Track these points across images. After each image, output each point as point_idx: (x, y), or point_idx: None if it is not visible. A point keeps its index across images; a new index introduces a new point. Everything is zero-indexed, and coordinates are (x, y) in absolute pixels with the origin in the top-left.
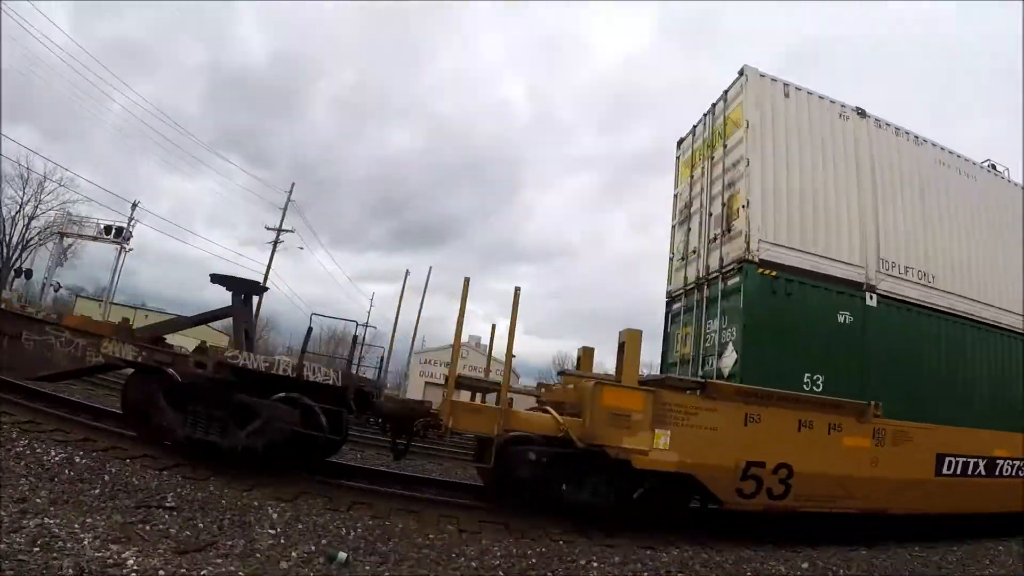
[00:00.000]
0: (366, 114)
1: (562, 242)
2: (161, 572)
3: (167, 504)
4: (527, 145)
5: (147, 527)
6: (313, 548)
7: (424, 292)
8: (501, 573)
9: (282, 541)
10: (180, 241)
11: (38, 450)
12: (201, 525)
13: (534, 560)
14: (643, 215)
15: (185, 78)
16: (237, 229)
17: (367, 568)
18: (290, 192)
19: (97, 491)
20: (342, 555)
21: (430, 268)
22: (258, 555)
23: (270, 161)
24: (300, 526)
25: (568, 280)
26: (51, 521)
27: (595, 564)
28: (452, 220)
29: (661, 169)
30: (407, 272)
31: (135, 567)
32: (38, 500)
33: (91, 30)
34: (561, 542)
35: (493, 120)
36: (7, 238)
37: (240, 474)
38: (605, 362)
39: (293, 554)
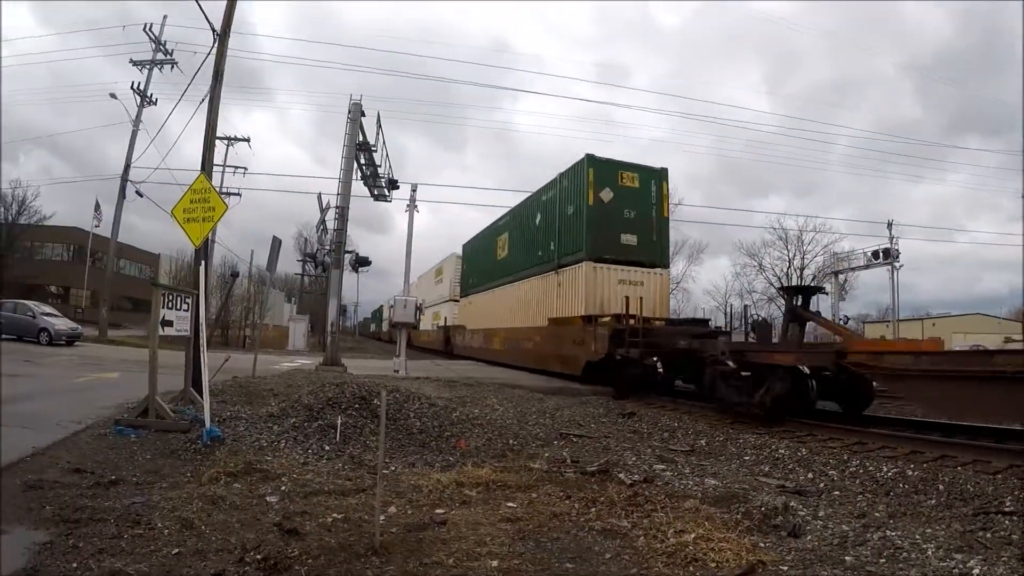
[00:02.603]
0: None
1: None
2: None
3: (1005, 509)
4: None
5: (988, 534)
6: None
7: None
8: None
9: None
10: (948, 242)
11: (870, 468)
12: None
13: None
14: None
15: (894, 88)
16: (1000, 211)
17: None
18: None
19: (932, 501)
20: None
21: None
22: None
23: (1002, 128)
24: None
25: None
26: (892, 533)
27: None
28: None
29: None
30: None
31: None
32: (877, 514)
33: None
34: None
35: None
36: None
37: None
38: None
39: None
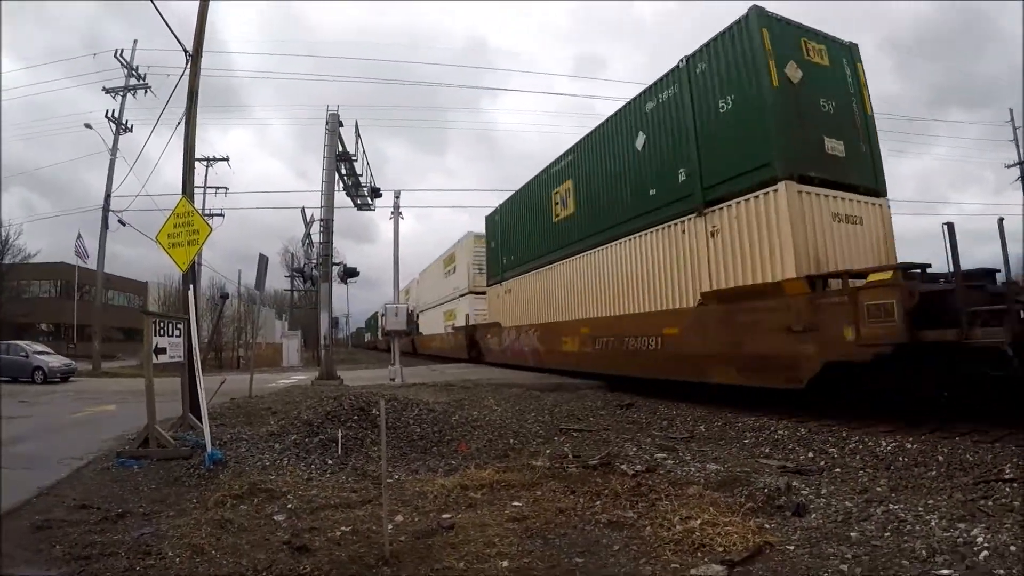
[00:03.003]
0: None
1: None
2: (1012, 548)
3: (1005, 476)
4: None
5: (989, 502)
6: None
7: None
8: None
9: None
10: (933, 215)
11: (869, 443)
12: None
13: None
14: None
15: (874, 66)
16: (985, 183)
17: None
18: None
19: (933, 472)
20: None
21: None
22: None
23: (987, 100)
24: None
25: None
26: (895, 507)
27: None
28: None
29: None
30: None
31: (985, 544)
32: (879, 489)
33: None
34: None
35: None
36: None
37: None
38: None
39: None
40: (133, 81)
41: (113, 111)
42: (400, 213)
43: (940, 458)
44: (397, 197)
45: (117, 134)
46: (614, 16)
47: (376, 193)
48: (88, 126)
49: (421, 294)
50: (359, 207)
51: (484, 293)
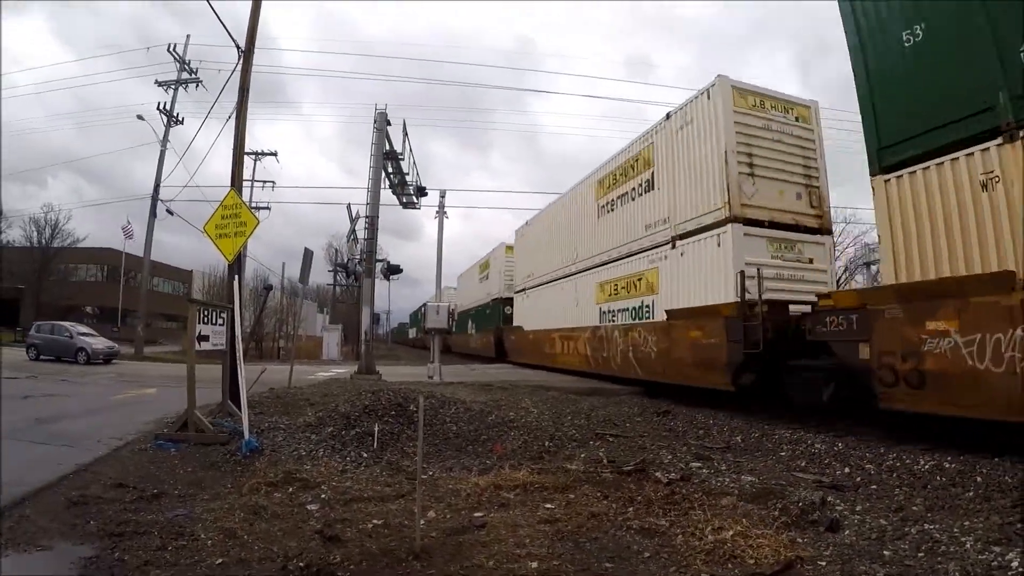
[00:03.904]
0: None
1: None
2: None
3: None
4: None
5: None
6: None
7: None
8: None
9: None
10: None
11: (907, 460)
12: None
13: None
14: None
15: None
16: None
17: None
18: None
19: (970, 493)
20: None
21: None
22: None
23: None
24: None
25: None
26: (930, 527)
27: None
28: None
29: None
30: None
31: (1020, 568)
32: (914, 508)
33: None
34: None
35: None
36: None
37: None
38: None
39: None
40: (185, 75)
41: (165, 104)
42: (445, 212)
43: (979, 479)
44: (443, 196)
45: (168, 126)
46: (660, 13)
47: (422, 192)
48: (141, 117)
49: (526, 261)
50: (404, 205)
51: (780, 226)
